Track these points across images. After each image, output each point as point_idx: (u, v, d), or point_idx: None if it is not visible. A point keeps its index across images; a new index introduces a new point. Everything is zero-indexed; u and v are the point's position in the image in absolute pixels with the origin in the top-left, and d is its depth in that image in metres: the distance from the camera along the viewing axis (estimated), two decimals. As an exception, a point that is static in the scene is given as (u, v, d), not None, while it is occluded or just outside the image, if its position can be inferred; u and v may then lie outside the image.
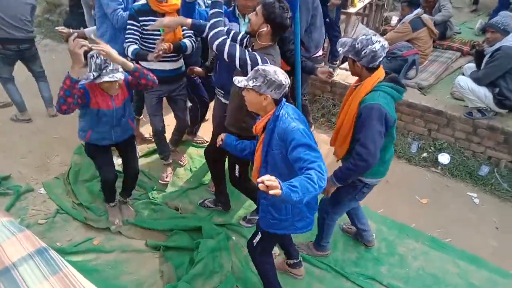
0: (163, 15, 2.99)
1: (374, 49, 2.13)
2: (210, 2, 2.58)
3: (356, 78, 2.36)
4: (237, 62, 2.36)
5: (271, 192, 1.47)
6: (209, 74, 3.48)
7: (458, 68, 5.15)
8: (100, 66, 2.52)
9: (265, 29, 2.35)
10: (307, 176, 1.63)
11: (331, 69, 3.19)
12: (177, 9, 3.05)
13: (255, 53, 2.37)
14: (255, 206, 3.23)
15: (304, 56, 3.06)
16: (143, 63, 3.10)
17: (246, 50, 2.39)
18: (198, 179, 3.77)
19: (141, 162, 3.98)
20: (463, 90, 3.90)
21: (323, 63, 5.06)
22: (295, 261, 2.76)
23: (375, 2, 6.26)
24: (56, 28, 3.93)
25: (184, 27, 3.02)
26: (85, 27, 4.31)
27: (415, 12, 4.84)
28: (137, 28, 3.04)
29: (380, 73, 2.24)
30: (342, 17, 5.81)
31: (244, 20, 2.90)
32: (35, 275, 2.02)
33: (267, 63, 2.33)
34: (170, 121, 3.86)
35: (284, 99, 2.06)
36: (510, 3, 5.79)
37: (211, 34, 2.43)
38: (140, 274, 2.82)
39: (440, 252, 3.10)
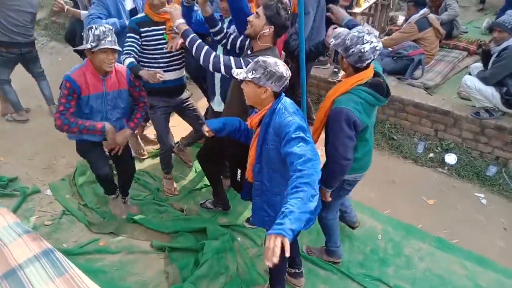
0: (163, 24, 2.97)
1: (362, 50, 2.01)
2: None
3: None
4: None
5: (286, 253, 1.43)
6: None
7: (465, 67, 5.11)
8: (98, 37, 2.49)
9: (267, 30, 2.35)
10: (299, 195, 1.58)
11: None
12: None
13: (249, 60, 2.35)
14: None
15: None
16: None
17: (241, 59, 2.38)
18: (204, 180, 3.77)
19: (147, 163, 4.01)
20: (470, 89, 3.87)
21: (328, 64, 5.06)
22: (297, 271, 2.68)
23: (381, 2, 6.22)
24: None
25: None
26: None
27: (421, 12, 4.81)
28: (135, 41, 2.94)
29: (365, 75, 2.14)
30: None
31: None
32: (41, 276, 2.03)
33: None
34: (177, 122, 3.86)
35: (283, 93, 2.01)
36: (517, 2, 5.73)
37: (201, 59, 2.41)
38: (145, 275, 2.83)
39: (447, 253, 3.07)
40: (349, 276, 2.83)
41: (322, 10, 3.65)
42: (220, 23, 2.82)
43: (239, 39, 2.77)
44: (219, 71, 2.41)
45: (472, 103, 4.06)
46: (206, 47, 2.42)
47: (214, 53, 2.41)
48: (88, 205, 3.39)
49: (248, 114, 2.21)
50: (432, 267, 2.95)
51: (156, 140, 4.23)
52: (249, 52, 2.54)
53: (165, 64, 3.06)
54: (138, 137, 4.09)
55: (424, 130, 4.31)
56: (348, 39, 2.05)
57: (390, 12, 6.58)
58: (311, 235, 3.16)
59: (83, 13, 3.89)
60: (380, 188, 3.73)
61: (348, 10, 5.49)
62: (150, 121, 4.14)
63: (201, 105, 4.24)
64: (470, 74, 4.17)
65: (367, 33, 2.04)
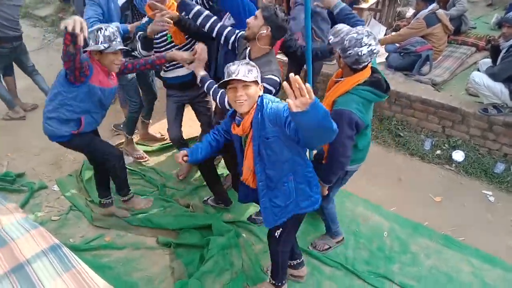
0: None
1: (359, 53, 2.04)
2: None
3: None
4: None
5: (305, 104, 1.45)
6: None
7: (473, 63, 5.06)
8: (109, 38, 2.51)
9: (265, 31, 2.39)
10: None
11: None
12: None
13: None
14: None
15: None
16: (162, 73, 3.19)
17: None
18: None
19: (152, 160, 4.02)
20: (478, 86, 3.83)
21: (334, 60, 5.03)
22: (298, 261, 2.71)
23: (388, -3, 6.18)
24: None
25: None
26: None
27: (430, 7, 4.76)
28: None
29: (363, 76, 2.16)
30: (354, 13, 5.75)
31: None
32: (49, 271, 2.05)
33: (272, 79, 2.40)
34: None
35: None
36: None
37: (218, 100, 2.55)
38: (151, 271, 2.84)
39: (453, 250, 3.05)
40: (355, 273, 2.82)
41: None
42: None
43: (232, 38, 2.74)
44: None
45: (480, 100, 4.02)
46: (221, 91, 2.53)
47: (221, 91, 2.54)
48: (94, 200, 3.41)
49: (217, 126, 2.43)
50: (439, 265, 2.93)
51: (163, 137, 4.25)
52: (247, 58, 2.55)
53: (176, 61, 3.01)
54: (134, 143, 4.08)
55: (431, 126, 4.28)
56: (346, 40, 2.06)
57: (397, 7, 6.53)
58: (317, 231, 3.15)
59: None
60: (387, 185, 3.71)
61: (355, 6, 5.46)
62: (150, 120, 4.19)
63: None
64: (478, 70, 4.12)
65: (366, 35, 2.03)
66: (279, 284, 2.56)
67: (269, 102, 1.97)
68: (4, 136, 4.36)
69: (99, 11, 3.22)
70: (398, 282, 2.78)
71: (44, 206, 3.41)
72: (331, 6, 2.59)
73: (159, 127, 4.42)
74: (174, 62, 3.00)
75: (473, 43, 5.43)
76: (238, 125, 2.07)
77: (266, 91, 2.28)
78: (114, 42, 2.53)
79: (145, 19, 2.87)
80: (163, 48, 3.00)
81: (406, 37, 4.74)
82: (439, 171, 3.93)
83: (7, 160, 3.95)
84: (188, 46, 3.02)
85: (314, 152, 2.86)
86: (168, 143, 4.06)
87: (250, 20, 2.44)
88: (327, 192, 2.51)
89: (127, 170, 3.30)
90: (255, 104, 1.99)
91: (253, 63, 2.01)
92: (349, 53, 2.06)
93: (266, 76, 2.38)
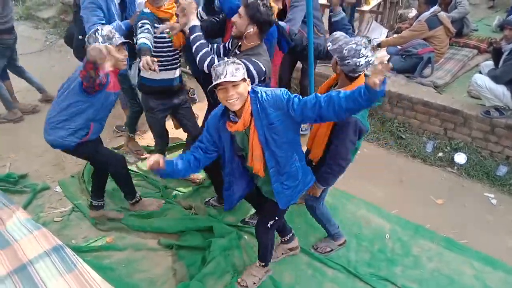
0: (167, 20, 2.92)
1: (357, 63, 2.17)
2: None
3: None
4: None
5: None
6: None
7: (475, 66, 5.05)
8: (108, 36, 2.53)
9: (251, 29, 2.39)
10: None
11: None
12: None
13: (243, 60, 2.35)
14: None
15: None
16: (147, 75, 2.99)
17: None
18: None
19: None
20: (480, 88, 3.83)
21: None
22: (290, 235, 2.89)
23: (390, 0, 6.18)
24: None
25: None
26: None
27: (432, 10, 4.75)
28: (149, 28, 2.79)
29: (361, 83, 2.23)
30: (356, 15, 5.76)
31: None
32: (51, 272, 2.06)
33: (258, 64, 2.39)
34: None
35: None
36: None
37: (198, 58, 2.48)
38: (153, 272, 2.85)
39: (455, 253, 3.04)
40: (357, 276, 2.82)
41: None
42: None
43: (221, 47, 2.75)
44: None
45: (482, 102, 4.02)
46: (206, 48, 2.48)
47: (210, 56, 2.47)
48: (96, 202, 3.42)
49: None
50: (441, 267, 2.93)
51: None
52: (237, 51, 2.56)
53: (167, 62, 3.00)
54: (135, 140, 4.07)
55: (433, 129, 4.28)
56: (346, 50, 2.18)
57: (399, 10, 6.53)
58: (316, 232, 3.15)
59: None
60: (388, 187, 3.71)
61: (357, 8, 5.47)
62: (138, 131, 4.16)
63: (203, 106, 4.19)
64: (480, 72, 4.13)
65: (364, 47, 2.17)
66: (267, 264, 2.73)
67: (260, 91, 2.05)
68: (6, 137, 4.37)
69: (101, 15, 3.21)
70: (400, 285, 2.77)
71: (47, 207, 3.42)
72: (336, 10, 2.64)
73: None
74: (164, 63, 2.94)
75: (475, 45, 5.43)
76: (235, 122, 2.09)
77: (250, 75, 2.28)
78: (114, 39, 2.54)
79: (145, 10, 2.88)
80: (164, 48, 2.95)
81: (408, 39, 4.74)
82: (441, 173, 3.93)
83: (9, 161, 3.97)
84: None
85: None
86: (171, 144, 4.06)
87: (236, 19, 2.43)
88: (319, 194, 2.60)
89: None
90: (248, 97, 2.04)
91: (238, 61, 2.03)
92: (347, 62, 2.19)
93: (253, 59, 2.39)
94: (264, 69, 2.45)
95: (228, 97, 1.98)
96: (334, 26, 2.67)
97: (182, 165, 2.21)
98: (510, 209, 3.49)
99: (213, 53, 2.65)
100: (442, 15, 4.81)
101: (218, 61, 2.34)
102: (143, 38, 2.67)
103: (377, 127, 4.45)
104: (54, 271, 2.07)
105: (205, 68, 2.48)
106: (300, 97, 2.02)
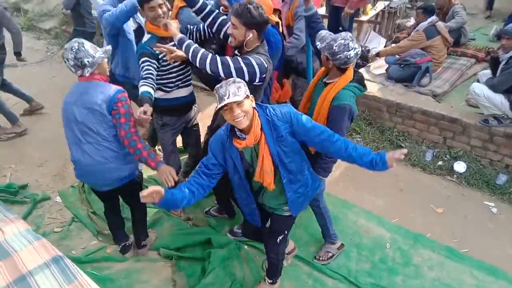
0: (171, 39, 2.70)
1: (348, 56, 2.34)
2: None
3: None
4: (234, 74, 2.32)
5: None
6: None
7: (473, 75, 5.08)
8: (90, 54, 2.31)
9: (251, 35, 2.35)
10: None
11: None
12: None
13: (247, 56, 2.35)
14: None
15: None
16: (160, 94, 2.87)
17: (237, 58, 2.37)
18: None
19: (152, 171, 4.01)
20: (479, 97, 3.85)
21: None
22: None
23: (388, 10, 6.25)
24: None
25: None
26: None
27: (430, 19, 4.80)
28: (152, 65, 2.66)
29: (350, 73, 2.46)
30: (354, 25, 5.82)
31: None
32: (51, 283, 2.06)
33: (259, 58, 2.36)
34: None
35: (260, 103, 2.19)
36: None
37: (198, 61, 2.41)
38: (152, 283, 2.83)
39: (456, 262, 3.03)
40: (357, 285, 2.81)
41: None
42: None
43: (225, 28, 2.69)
44: (218, 74, 2.39)
45: (481, 111, 4.04)
46: (202, 50, 2.43)
47: (210, 55, 2.41)
48: (96, 212, 3.41)
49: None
50: (442, 277, 2.92)
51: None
52: (237, 52, 2.52)
53: (176, 79, 2.87)
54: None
55: (432, 137, 4.29)
56: (336, 46, 2.34)
57: (397, 20, 6.60)
58: (317, 242, 3.15)
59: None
60: (388, 196, 3.71)
61: (355, 18, 5.52)
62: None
63: (209, 112, 4.24)
64: (478, 81, 4.15)
65: (350, 41, 2.34)
66: (276, 281, 2.73)
67: (267, 106, 2.11)
68: (7, 147, 4.38)
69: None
70: (401, 294, 2.76)
71: (47, 217, 3.41)
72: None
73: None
74: (177, 82, 2.87)
75: (472, 54, 5.47)
76: (243, 139, 2.08)
77: (251, 70, 2.31)
78: (96, 56, 2.35)
79: (147, 36, 2.76)
80: (167, 66, 2.81)
81: (406, 49, 4.78)
82: (441, 182, 3.93)
83: (10, 172, 3.97)
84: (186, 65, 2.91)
85: None
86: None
87: (232, 30, 2.38)
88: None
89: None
90: (254, 113, 2.05)
91: (238, 80, 2.03)
92: (339, 57, 2.35)
93: (253, 55, 2.36)
94: (265, 64, 2.39)
95: (235, 117, 1.97)
96: (307, 21, 2.74)
97: (182, 200, 2.13)
98: (510, 218, 3.49)
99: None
100: (440, 25, 4.85)
101: (220, 60, 2.36)
102: (144, 86, 2.57)
103: (376, 136, 4.46)
104: (54, 282, 2.06)
105: (208, 71, 2.41)
106: (309, 118, 2.13)
